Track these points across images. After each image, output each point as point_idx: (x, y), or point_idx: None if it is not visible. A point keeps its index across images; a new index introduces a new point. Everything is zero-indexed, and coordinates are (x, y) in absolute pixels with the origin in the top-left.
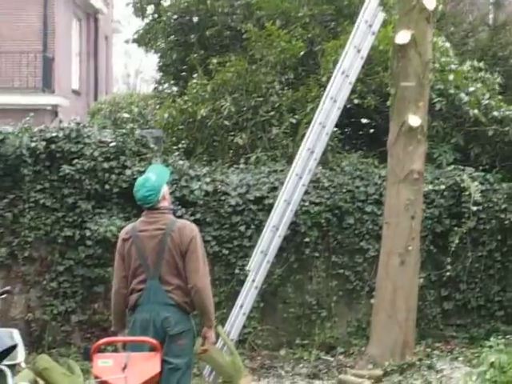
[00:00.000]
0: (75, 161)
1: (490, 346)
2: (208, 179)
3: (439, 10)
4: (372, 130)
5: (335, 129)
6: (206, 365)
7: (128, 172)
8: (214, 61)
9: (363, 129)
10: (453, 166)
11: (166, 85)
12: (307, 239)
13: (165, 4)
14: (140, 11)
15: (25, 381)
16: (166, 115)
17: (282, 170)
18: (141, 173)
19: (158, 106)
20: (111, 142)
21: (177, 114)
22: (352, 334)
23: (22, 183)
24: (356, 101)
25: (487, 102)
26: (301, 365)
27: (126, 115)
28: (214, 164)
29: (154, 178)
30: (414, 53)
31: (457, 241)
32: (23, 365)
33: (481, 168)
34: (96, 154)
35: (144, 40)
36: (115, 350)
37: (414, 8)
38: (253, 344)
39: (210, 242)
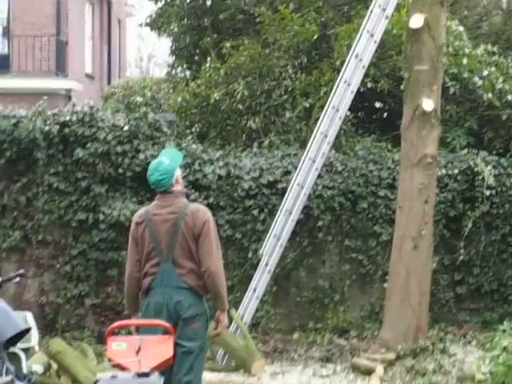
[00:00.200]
0: (89, 144)
1: (504, 330)
2: (221, 163)
3: None
4: (385, 114)
5: (349, 113)
6: (220, 348)
7: (141, 156)
8: (227, 44)
9: (377, 113)
10: (466, 150)
11: (179, 69)
12: (320, 223)
13: None
14: None
15: (38, 364)
16: (179, 99)
17: (295, 154)
18: (154, 157)
19: (171, 90)
20: (124, 125)
21: (190, 98)
22: (365, 317)
23: (35, 167)
24: (369, 85)
25: (501, 85)
26: (314, 348)
27: (140, 99)
28: (227, 148)
29: (168, 161)
30: (427, 37)
31: (470, 225)
32: (37, 348)
33: (494, 152)
34: (109, 137)
35: (157, 24)
36: (129, 334)
37: None
38: (266, 328)
39: (224, 225)
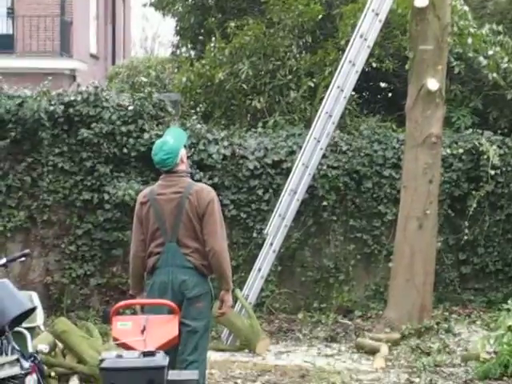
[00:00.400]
0: (93, 124)
1: (508, 310)
2: (226, 143)
3: None
4: (390, 94)
5: (353, 92)
6: (224, 328)
7: (146, 136)
8: (232, 24)
9: (381, 92)
10: (471, 130)
11: (183, 49)
12: (325, 203)
13: None
14: None
15: (44, 343)
16: (183, 79)
17: (299, 134)
18: (159, 136)
19: (175, 70)
20: (129, 105)
21: (195, 78)
22: (370, 297)
23: (40, 147)
24: (374, 64)
25: (506, 65)
26: (318, 328)
27: (144, 79)
28: (231, 128)
29: (172, 141)
30: (432, 16)
31: (475, 205)
32: (42, 327)
33: (499, 132)
34: (114, 117)
35: (161, 4)
36: (134, 313)
37: None
38: (271, 307)
39: (228, 205)
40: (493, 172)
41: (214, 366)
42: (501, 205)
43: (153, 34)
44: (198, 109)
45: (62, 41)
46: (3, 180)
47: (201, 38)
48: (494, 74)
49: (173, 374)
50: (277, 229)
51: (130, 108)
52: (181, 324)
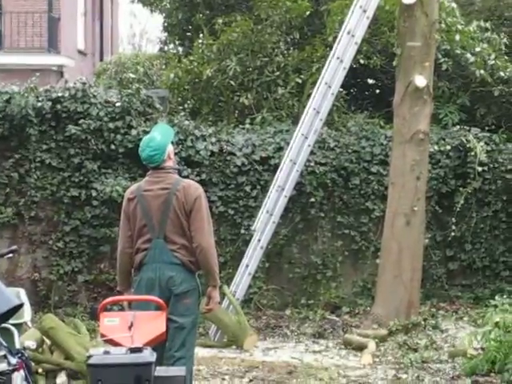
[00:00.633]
0: (81, 121)
1: (495, 306)
2: (214, 139)
3: None
4: (378, 91)
5: (341, 89)
6: (212, 324)
7: (134, 132)
8: (220, 21)
9: (369, 89)
10: (458, 127)
11: (171, 45)
12: (313, 199)
13: None
14: None
15: (31, 340)
16: (171, 75)
17: (287, 131)
18: (146, 133)
19: (163, 67)
20: (117, 102)
21: (182, 75)
22: (357, 293)
23: (27, 143)
24: (362, 61)
25: (493, 62)
26: (306, 324)
27: (132, 75)
28: (219, 124)
29: (159, 137)
30: (420, 13)
31: (462, 201)
32: (29, 324)
33: (486, 128)
34: (102, 114)
35: (149, 0)
36: (121, 309)
37: None
38: (258, 304)
39: (216, 202)
40: (480, 169)
41: (201, 362)
42: (488, 201)
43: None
44: (185, 105)
45: (50, 37)
46: None
47: (188, 34)
48: (482, 71)
49: (160, 370)
50: (264, 225)
51: (118, 104)
52: (168, 320)
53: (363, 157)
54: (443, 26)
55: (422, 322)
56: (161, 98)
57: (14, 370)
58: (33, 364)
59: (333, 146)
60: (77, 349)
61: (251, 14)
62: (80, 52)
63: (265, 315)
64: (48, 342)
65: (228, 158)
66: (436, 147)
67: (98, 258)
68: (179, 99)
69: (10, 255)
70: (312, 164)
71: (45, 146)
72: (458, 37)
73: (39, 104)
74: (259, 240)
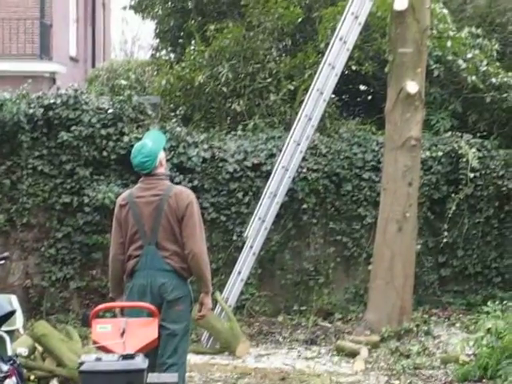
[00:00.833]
0: (73, 127)
1: (487, 312)
2: (206, 146)
3: None
4: (370, 97)
5: (333, 95)
6: (204, 331)
7: (126, 139)
8: (212, 27)
9: (361, 95)
10: (450, 133)
11: (163, 51)
12: (305, 206)
13: None
14: None
15: (23, 346)
16: (163, 82)
17: (279, 137)
18: (138, 139)
19: (155, 73)
20: (109, 108)
21: (174, 81)
22: (349, 300)
23: (19, 150)
24: (354, 67)
25: (485, 68)
26: (298, 331)
27: (124, 82)
28: (211, 131)
29: (151, 144)
30: (411, 19)
31: (454, 207)
32: (22, 331)
33: (478, 135)
34: (94, 120)
35: (141, 6)
36: (113, 316)
37: None
38: (251, 310)
39: (208, 208)
40: (472, 175)
41: (193, 368)
42: (480, 207)
43: (132, 37)
44: (177, 112)
45: (42, 43)
46: None
47: (180, 40)
48: (473, 77)
49: (152, 377)
50: (257, 232)
51: (110, 111)
52: (160, 327)
53: (355, 163)
54: (435, 32)
55: (415, 329)
56: (153, 105)
57: (5, 377)
58: (25, 371)
59: (325, 153)
60: (69, 356)
61: (243, 20)
62: (72, 58)
63: (257, 322)
64: (40, 348)
65: (220, 164)
66: (428, 153)
67: (90, 264)
68: (171, 106)
69: (2, 262)
70: (304, 170)
71: (37, 153)
72: (449, 43)
73: (31, 111)
74: (251, 246)
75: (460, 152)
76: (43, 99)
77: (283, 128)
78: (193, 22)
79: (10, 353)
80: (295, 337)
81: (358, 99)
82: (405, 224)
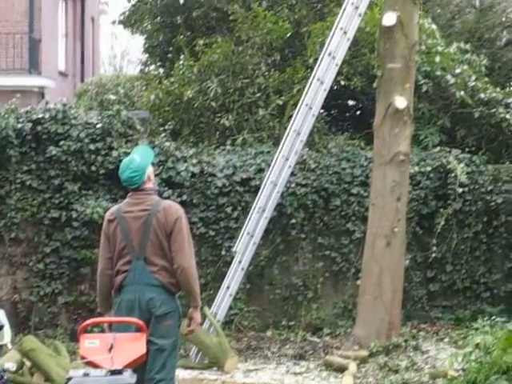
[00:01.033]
0: (61, 142)
1: (476, 329)
2: (194, 161)
3: None
4: (358, 112)
5: (322, 110)
6: (193, 346)
7: (114, 153)
8: (201, 42)
9: (350, 110)
10: (439, 148)
11: (152, 66)
12: (293, 221)
13: None
14: None
15: (11, 361)
16: (152, 97)
17: (268, 152)
18: (127, 154)
19: (144, 88)
20: (97, 123)
21: (163, 96)
22: (338, 315)
23: (8, 164)
24: (342, 82)
25: (473, 83)
26: (287, 346)
27: (113, 97)
28: (200, 145)
29: (139, 159)
30: (400, 35)
31: (442, 222)
32: (9, 346)
33: (467, 150)
34: (82, 135)
35: (130, 21)
36: (102, 331)
37: None
38: (239, 325)
39: (197, 223)
40: (460, 190)
41: None
42: (468, 222)
43: (122, 52)
44: (166, 126)
45: (31, 58)
46: None
47: (169, 55)
48: (462, 93)
49: None
50: (245, 246)
51: (99, 126)
52: (148, 342)
53: (344, 178)
54: (423, 47)
55: (403, 344)
56: (141, 120)
57: None
58: None
59: (313, 168)
60: (57, 371)
61: (232, 35)
62: (61, 73)
63: (246, 337)
64: (28, 363)
65: (209, 179)
66: (416, 168)
67: (78, 279)
68: (160, 120)
69: None
70: (293, 185)
71: (25, 168)
72: (438, 58)
73: (20, 125)
74: (240, 261)
75: (448, 167)
76: (32, 114)
77: (272, 143)
78: (182, 36)
79: None
80: (284, 352)
81: (347, 114)
82: (393, 239)
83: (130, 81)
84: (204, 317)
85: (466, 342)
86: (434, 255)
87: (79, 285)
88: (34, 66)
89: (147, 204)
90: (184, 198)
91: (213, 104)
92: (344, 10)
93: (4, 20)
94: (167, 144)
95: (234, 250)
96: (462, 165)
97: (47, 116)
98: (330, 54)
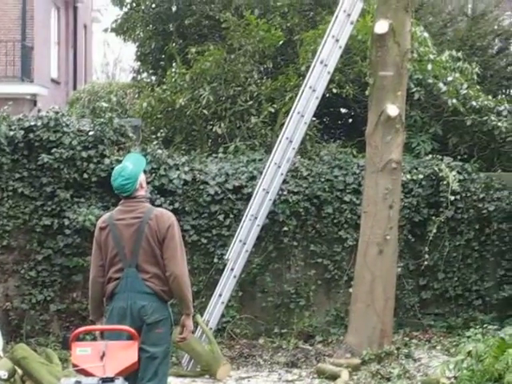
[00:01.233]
0: (54, 150)
1: (468, 337)
2: (187, 168)
3: (418, 0)
4: (350, 120)
5: (314, 118)
6: (185, 353)
7: (107, 161)
8: (193, 50)
9: (342, 118)
10: (431, 156)
11: (144, 74)
12: (286, 228)
13: None
14: (118, 0)
15: (3, 369)
16: (144, 104)
17: (260, 160)
18: (119, 162)
19: (136, 95)
20: (90, 131)
21: (155, 103)
22: (330, 322)
23: (0, 172)
24: (335, 90)
25: (465, 91)
26: (279, 353)
27: (105, 104)
28: (192, 153)
29: (131, 166)
30: (392, 42)
31: (435, 230)
32: (1, 354)
33: (459, 157)
34: (74, 143)
35: (122, 29)
36: (94, 339)
37: None
38: (231, 333)
39: (189, 231)
40: (452, 198)
41: None
42: (460, 230)
43: (114, 59)
44: (158, 134)
45: (23, 66)
46: None
47: (161, 63)
48: (454, 100)
49: None
50: (237, 254)
51: (91, 133)
52: (140, 350)
53: (336, 186)
54: (415, 55)
55: (395, 351)
56: (134, 127)
57: None
58: None
59: (306, 175)
60: (49, 379)
61: (224, 43)
62: (53, 81)
63: (238, 344)
64: (20, 371)
65: (201, 186)
66: (408, 176)
67: (70, 287)
68: (152, 128)
69: None
70: (285, 193)
71: (17, 175)
72: (430, 66)
73: (12, 133)
74: (232, 269)
75: (440, 175)
76: (24, 121)
77: (264, 150)
78: (174, 44)
79: None
80: (276, 359)
81: (339, 122)
82: (385, 247)
83: (122, 88)
84: (196, 324)
85: (458, 349)
86: (426, 263)
87: (71, 292)
88: (26, 74)
89: (139, 211)
90: (176, 205)
91: (205, 112)
92: (336, 17)
93: None
94: (159, 151)
95: (226, 257)
96: (454, 172)
97: (39, 123)
98: (322, 62)
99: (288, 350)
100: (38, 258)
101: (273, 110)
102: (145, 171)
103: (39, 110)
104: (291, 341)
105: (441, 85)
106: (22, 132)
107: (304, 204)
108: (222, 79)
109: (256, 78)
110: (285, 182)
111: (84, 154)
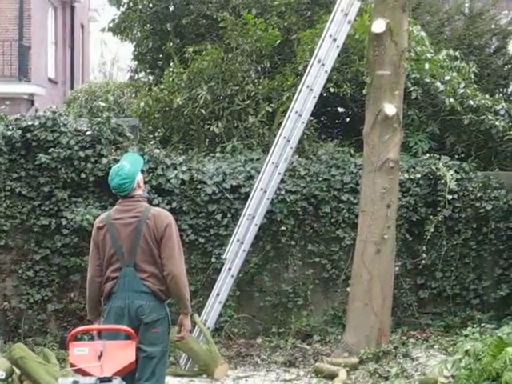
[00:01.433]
0: (51, 149)
1: (466, 335)
2: (184, 168)
3: None
4: (348, 119)
5: (311, 117)
6: (183, 353)
7: (104, 161)
8: (190, 49)
9: (339, 117)
10: (428, 155)
11: (141, 73)
12: (283, 228)
13: None
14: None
15: (0, 369)
16: (142, 104)
17: (258, 159)
18: (117, 161)
19: (133, 95)
20: (87, 130)
21: (153, 103)
22: (328, 322)
23: None
24: (332, 89)
25: (463, 90)
26: (277, 353)
27: (102, 104)
28: (190, 153)
29: (128, 166)
30: (389, 41)
31: (432, 229)
32: None
33: (456, 157)
34: (72, 142)
35: (119, 28)
36: (91, 339)
37: None
38: (229, 332)
39: (187, 230)
40: (450, 197)
41: None
42: (458, 229)
43: (111, 59)
44: (156, 134)
45: (20, 65)
46: None
47: (159, 62)
48: (451, 99)
49: None
50: (235, 254)
51: (88, 133)
52: (138, 349)
53: (333, 185)
54: (412, 54)
55: (393, 350)
56: (131, 127)
57: None
58: None
59: (303, 175)
60: (46, 378)
61: (221, 42)
62: (51, 80)
63: (236, 344)
64: (18, 371)
65: (199, 186)
66: (406, 175)
67: (68, 286)
68: (150, 128)
69: None
70: (282, 192)
71: (15, 175)
72: (427, 65)
73: (9, 133)
74: (230, 268)
75: (438, 174)
76: (21, 121)
77: (261, 150)
78: (171, 44)
79: None
80: (274, 359)
81: (337, 121)
82: (383, 246)
83: (119, 88)
84: (194, 324)
85: (455, 348)
86: (423, 262)
87: (69, 292)
88: (23, 74)
89: (137, 211)
90: (174, 205)
91: (202, 111)
92: (333, 17)
93: None
94: (157, 151)
95: (223, 257)
96: (451, 171)
97: (37, 123)
98: (319, 61)
99: (286, 350)
100: (36, 257)
101: (270, 110)
102: (142, 171)
103: (36, 110)
104: (289, 340)
105: (438, 84)
106: (20, 132)
107: (302, 203)
108: (219, 78)
109: (253, 78)
110: (282, 181)
111: (81, 154)
